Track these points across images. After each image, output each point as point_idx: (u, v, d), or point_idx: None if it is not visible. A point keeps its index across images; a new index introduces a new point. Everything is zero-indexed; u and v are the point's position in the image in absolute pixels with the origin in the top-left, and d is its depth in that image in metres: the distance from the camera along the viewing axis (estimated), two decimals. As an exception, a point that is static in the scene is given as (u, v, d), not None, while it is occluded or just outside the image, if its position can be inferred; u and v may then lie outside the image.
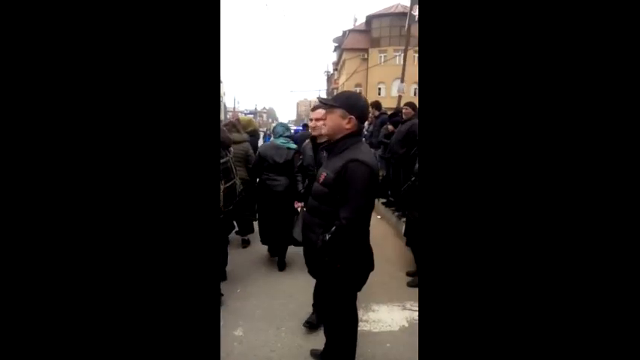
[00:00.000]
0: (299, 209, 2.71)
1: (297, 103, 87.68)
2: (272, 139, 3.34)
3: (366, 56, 24.69)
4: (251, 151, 3.63)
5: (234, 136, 3.40)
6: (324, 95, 43.08)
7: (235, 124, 3.68)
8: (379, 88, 24.70)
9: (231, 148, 2.98)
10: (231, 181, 2.77)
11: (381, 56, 23.99)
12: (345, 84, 26.20)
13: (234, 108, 54.69)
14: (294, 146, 3.22)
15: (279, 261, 3.46)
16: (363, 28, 26.05)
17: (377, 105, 5.96)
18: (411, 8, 10.30)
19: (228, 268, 3.14)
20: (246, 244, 4.01)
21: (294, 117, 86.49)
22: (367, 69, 24.11)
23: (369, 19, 25.24)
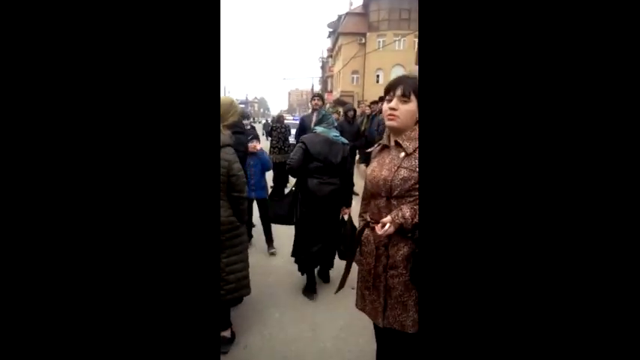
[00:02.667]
0: (345, 217, 2.37)
1: (289, 93, 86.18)
2: (318, 129, 2.51)
3: (363, 41, 23.50)
4: (236, 165, 1.85)
5: None
6: (317, 84, 41.94)
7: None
8: (377, 75, 23.66)
9: None
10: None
11: (379, 41, 22.83)
12: (342, 71, 25.11)
13: (224, 97, 53.07)
14: (346, 141, 2.56)
15: (308, 284, 2.61)
16: (360, 11, 24.81)
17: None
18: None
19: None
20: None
21: (285, 107, 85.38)
22: (365, 54, 23.04)
23: (367, 2, 23.99)
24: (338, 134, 2.52)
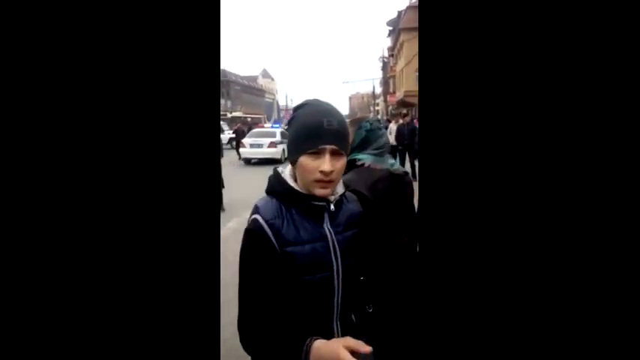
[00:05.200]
0: None
1: (350, 97, 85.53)
2: (365, 159, 1.31)
3: (427, 35, 21.70)
4: None
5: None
6: (378, 85, 40.52)
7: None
8: (445, 70, 21.62)
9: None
10: None
11: (446, 33, 20.83)
12: (405, 69, 23.53)
13: (286, 106, 54.42)
14: (403, 169, 1.48)
15: None
16: (422, 4, 23.03)
17: None
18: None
19: None
20: None
21: (346, 111, 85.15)
22: (430, 49, 21.20)
23: (430, -7, 22.19)
24: (395, 162, 1.38)
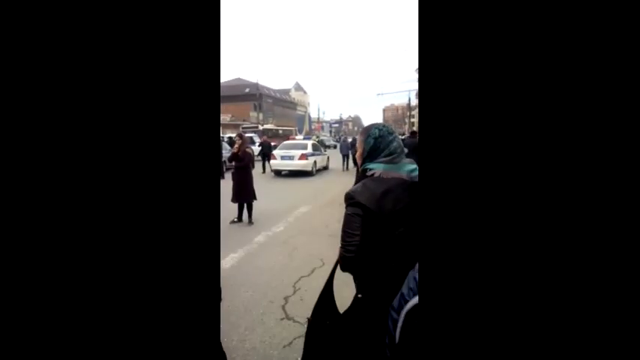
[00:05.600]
0: None
1: (384, 109, 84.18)
2: (376, 167, 1.24)
3: (470, 42, 20.32)
4: None
5: None
6: (414, 97, 39.15)
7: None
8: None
9: None
10: None
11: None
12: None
13: (318, 118, 54.13)
14: None
15: None
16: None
17: None
18: None
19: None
20: None
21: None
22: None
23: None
24: (415, 166, 1.27)
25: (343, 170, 12.40)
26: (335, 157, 13.98)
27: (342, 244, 1.15)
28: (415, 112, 39.36)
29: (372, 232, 1.12)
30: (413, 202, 1.15)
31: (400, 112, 60.71)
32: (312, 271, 3.27)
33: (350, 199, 1.15)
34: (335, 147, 23.50)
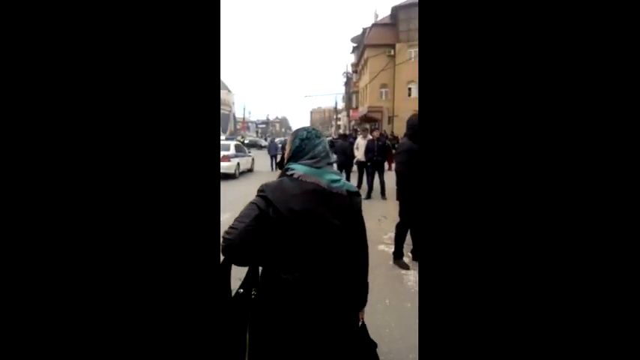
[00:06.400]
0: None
1: (311, 112, 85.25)
2: (297, 169, 1.20)
3: (392, 53, 21.46)
4: None
5: None
6: (340, 101, 40.24)
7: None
8: (409, 88, 21.41)
9: None
10: None
11: (410, 51, 20.68)
12: (369, 85, 23.05)
13: (244, 118, 52.33)
14: (354, 188, 1.28)
15: None
16: (388, 21, 22.92)
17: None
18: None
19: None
20: None
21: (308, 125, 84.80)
22: (395, 67, 20.90)
23: (395, 11, 22.15)
24: (339, 177, 1.21)
25: (272, 171, 12.03)
26: (263, 159, 13.51)
27: (226, 232, 1.07)
28: (341, 115, 40.44)
29: (272, 230, 1.10)
30: (323, 213, 1.13)
31: (327, 114, 62.05)
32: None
33: (261, 191, 1.14)
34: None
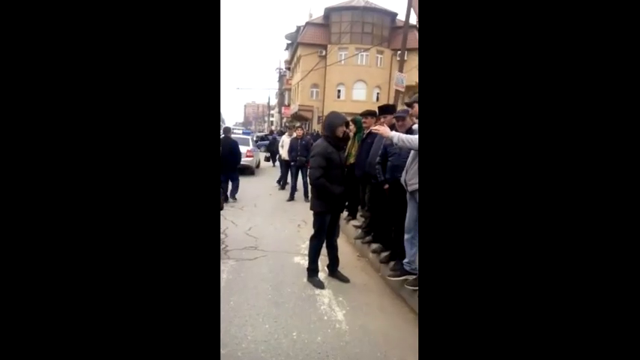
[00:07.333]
0: None
1: (245, 105, 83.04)
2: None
3: (324, 53, 21.90)
4: None
5: None
6: (274, 95, 39.86)
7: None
8: (338, 90, 22.10)
9: None
10: None
11: (341, 54, 21.35)
12: (301, 83, 23.25)
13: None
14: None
15: None
16: (321, 22, 23.31)
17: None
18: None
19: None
20: None
21: (241, 119, 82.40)
22: (325, 67, 21.39)
23: (328, 13, 22.62)
24: None
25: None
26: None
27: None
28: (273, 112, 40.09)
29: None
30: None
31: (261, 110, 61.03)
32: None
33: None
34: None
